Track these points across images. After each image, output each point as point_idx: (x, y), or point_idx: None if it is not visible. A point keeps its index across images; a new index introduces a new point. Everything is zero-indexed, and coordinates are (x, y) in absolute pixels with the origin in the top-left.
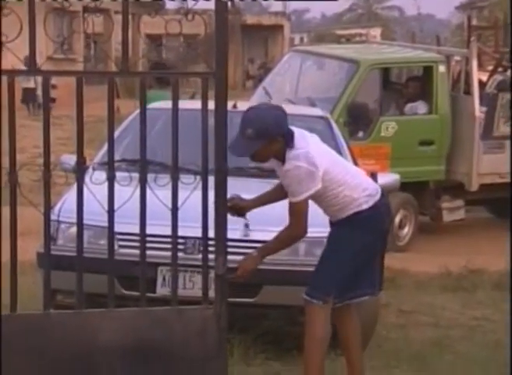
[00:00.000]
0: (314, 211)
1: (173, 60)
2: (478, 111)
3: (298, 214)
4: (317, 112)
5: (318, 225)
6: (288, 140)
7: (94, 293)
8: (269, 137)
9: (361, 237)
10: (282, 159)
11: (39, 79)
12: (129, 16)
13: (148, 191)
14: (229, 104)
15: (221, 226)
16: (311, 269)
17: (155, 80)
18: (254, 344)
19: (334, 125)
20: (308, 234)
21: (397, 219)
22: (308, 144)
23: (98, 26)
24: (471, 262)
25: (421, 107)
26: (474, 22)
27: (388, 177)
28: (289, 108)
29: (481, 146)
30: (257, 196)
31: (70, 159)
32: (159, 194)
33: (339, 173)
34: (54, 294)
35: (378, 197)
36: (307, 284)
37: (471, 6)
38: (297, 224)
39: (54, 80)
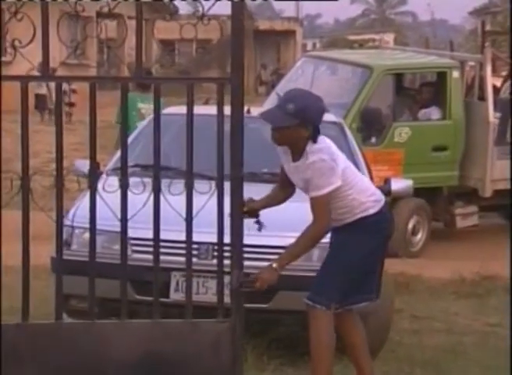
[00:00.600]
0: None
1: (186, 65)
2: (492, 116)
3: (322, 208)
4: (330, 117)
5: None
6: (315, 133)
7: (106, 298)
8: (304, 120)
9: (369, 241)
10: (300, 152)
11: (52, 85)
12: (143, 21)
13: (163, 196)
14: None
15: (237, 236)
16: None
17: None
18: (268, 349)
19: (347, 131)
20: (322, 240)
21: (410, 225)
22: (326, 143)
23: (112, 32)
24: (484, 268)
25: (434, 113)
26: (488, 27)
27: (401, 183)
28: None
29: (495, 152)
30: (266, 196)
31: (83, 165)
32: (174, 198)
33: (350, 176)
34: (67, 299)
35: (382, 202)
36: (310, 289)
37: (485, 12)
38: (322, 219)
39: (74, 85)
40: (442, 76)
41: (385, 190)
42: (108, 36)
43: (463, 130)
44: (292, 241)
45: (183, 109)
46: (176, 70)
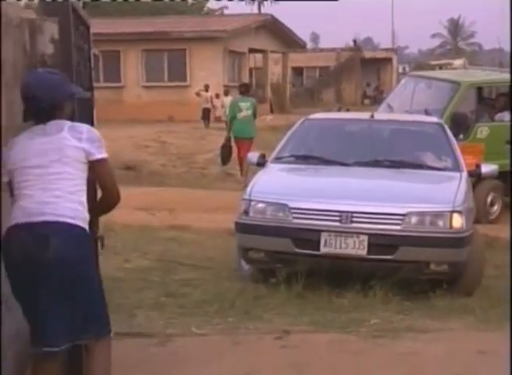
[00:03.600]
0: (435, 188)
1: (311, 85)
2: None
3: None
4: (432, 119)
5: (441, 202)
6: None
7: (274, 250)
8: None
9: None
10: None
11: (215, 101)
12: (281, 54)
13: (313, 177)
14: (368, 115)
15: None
16: (435, 235)
17: (239, 90)
18: (392, 289)
19: (447, 129)
20: (432, 209)
21: (489, 199)
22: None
23: (258, 62)
24: None
25: (507, 116)
26: None
27: (489, 167)
28: (410, 117)
29: None
30: None
31: (254, 156)
32: (320, 180)
33: (18, 181)
34: (247, 251)
35: (36, 219)
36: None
37: None
38: None
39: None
40: None
41: (477, 173)
42: (256, 65)
43: None
44: (410, 210)
45: (323, 115)
46: (303, 89)
